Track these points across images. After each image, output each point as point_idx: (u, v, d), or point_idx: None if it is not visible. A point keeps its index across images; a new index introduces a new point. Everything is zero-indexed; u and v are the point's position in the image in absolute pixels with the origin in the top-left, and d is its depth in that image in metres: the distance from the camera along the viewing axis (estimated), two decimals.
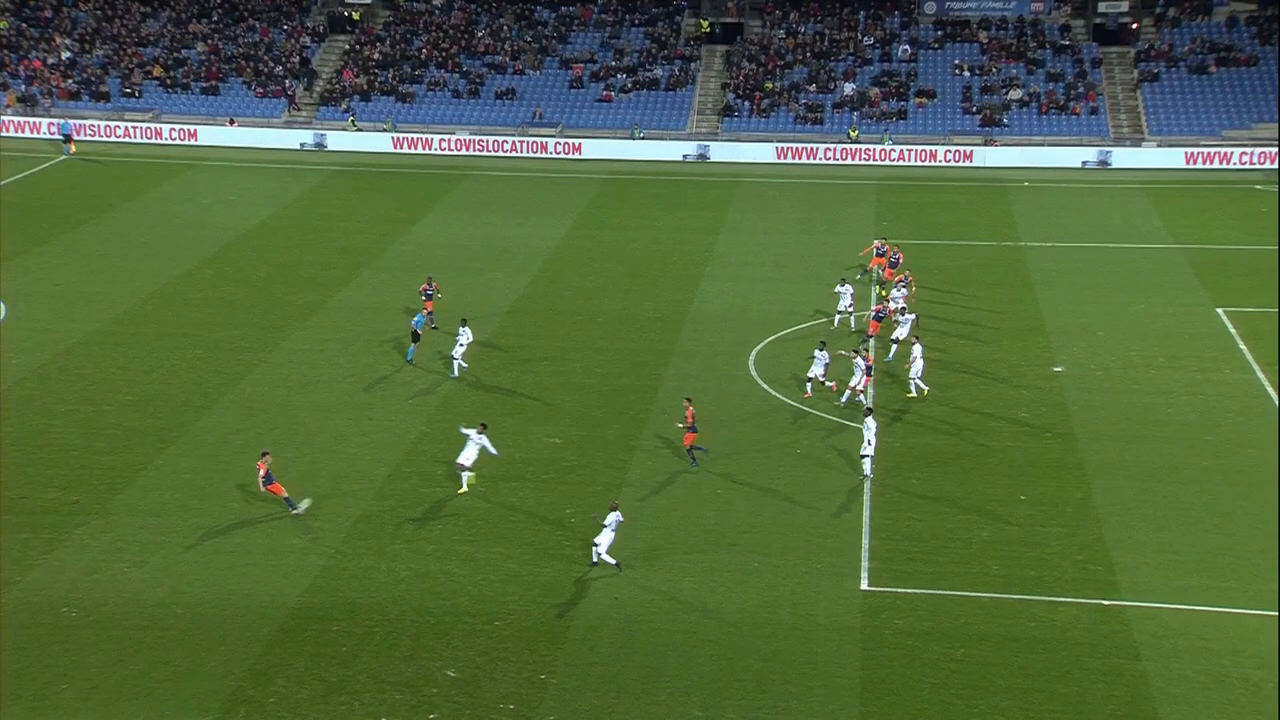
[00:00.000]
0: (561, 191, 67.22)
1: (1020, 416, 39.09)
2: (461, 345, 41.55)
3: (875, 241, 51.25)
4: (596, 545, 30.63)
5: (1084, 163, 70.31)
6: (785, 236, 58.43)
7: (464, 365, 41.97)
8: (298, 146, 73.54)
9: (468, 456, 33.66)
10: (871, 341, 43.07)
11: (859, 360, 38.79)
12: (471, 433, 33.93)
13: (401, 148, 74.71)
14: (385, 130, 76.36)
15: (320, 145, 73.92)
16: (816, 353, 39.42)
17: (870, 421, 35.15)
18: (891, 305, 44.72)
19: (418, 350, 42.47)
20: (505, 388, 41.09)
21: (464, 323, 42.60)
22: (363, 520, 33.04)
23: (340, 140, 74.78)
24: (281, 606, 29.36)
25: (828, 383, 39.41)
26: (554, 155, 74.06)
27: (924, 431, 37.92)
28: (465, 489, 34.02)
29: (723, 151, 73.19)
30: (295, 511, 32.76)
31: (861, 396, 38.86)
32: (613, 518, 30.70)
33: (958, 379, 41.55)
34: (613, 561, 30.61)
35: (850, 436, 37.32)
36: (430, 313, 44.76)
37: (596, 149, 74.07)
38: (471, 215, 61.82)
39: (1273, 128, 72.98)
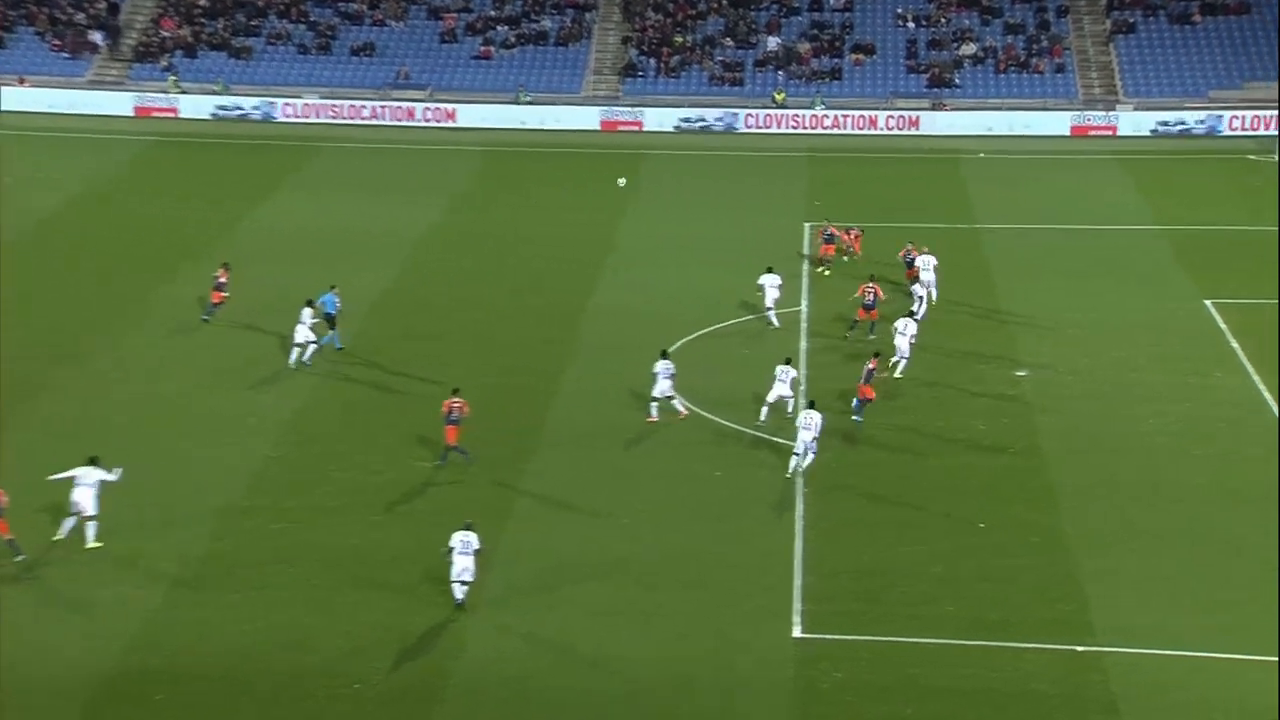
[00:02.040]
0: (432, 167, 66.96)
1: (978, 429, 39.70)
2: (304, 326, 42.28)
3: (830, 229, 52.33)
4: (456, 580, 30.62)
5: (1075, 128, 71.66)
6: (701, 219, 58.82)
7: (306, 362, 42.36)
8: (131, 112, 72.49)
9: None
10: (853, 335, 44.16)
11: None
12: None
13: (237, 114, 73.98)
14: (216, 93, 75.46)
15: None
16: (780, 370, 39.34)
17: (812, 416, 35.98)
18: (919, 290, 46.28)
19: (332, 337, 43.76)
20: (369, 402, 40.87)
21: (309, 303, 43.25)
22: (197, 563, 32.63)
23: (160, 104, 73.84)
24: (93, 672, 28.85)
25: (782, 407, 39.16)
26: (423, 123, 73.78)
27: (867, 448, 38.34)
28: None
29: (627, 117, 73.58)
30: (19, 558, 32.03)
31: (857, 419, 39.47)
32: (459, 538, 30.55)
33: (905, 386, 42.01)
34: (459, 597, 30.58)
35: (783, 456, 37.71)
36: (216, 304, 45.76)
37: (474, 116, 73.95)
38: (323, 196, 61.44)
39: (1269, 87, 75.08)
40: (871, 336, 44.53)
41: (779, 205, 60.32)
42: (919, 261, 48.44)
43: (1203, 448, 38.70)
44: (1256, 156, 68.83)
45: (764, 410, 39.24)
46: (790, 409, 39.21)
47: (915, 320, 43.95)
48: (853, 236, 52.69)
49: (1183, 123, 73.08)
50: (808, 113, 73.67)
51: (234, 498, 35.40)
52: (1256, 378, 42.74)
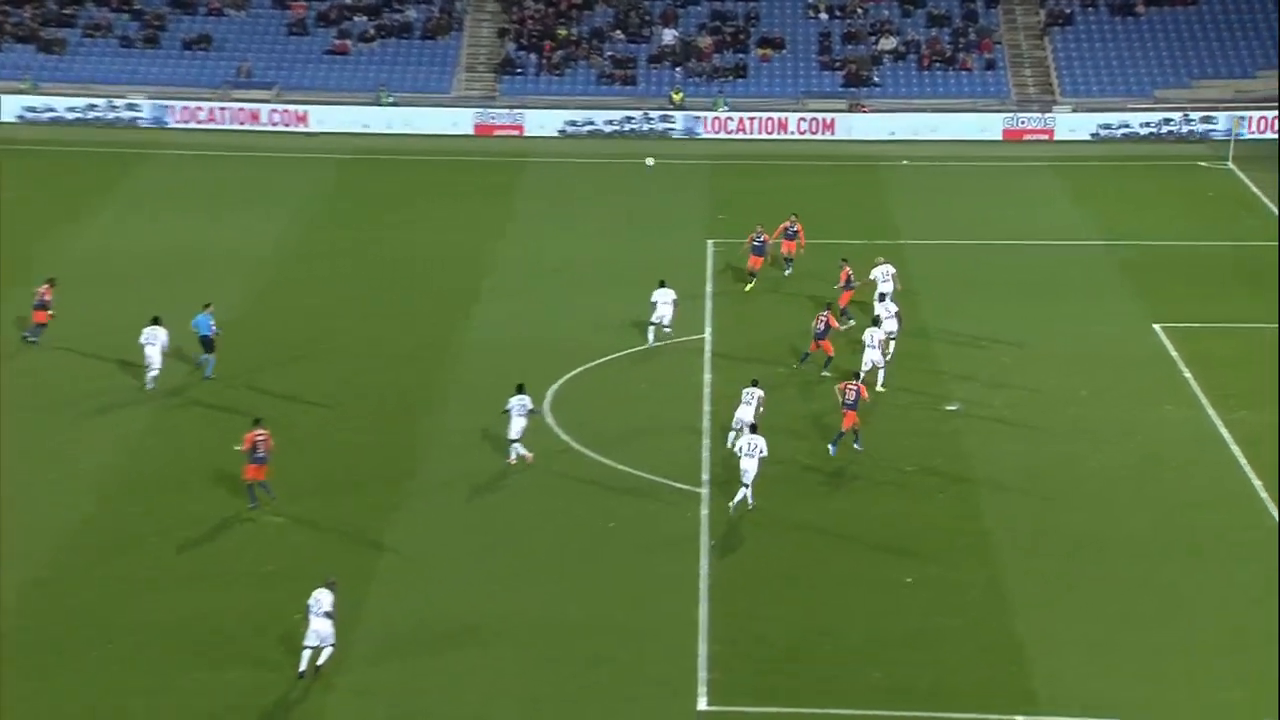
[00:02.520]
0: (281, 178, 66.56)
1: (905, 471, 40.08)
2: (155, 347, 43.09)
3: (763, 235, 53.06)
4: (305, 646, 30.40)
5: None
6: (590, 236, 59.09)
7: (149, 386, 42.98)
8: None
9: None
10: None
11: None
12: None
13: (48, 116, 72.95)
14: (23, 92, 74.32)
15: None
16: (746, 393, 40.01)
17: (756, 443, 36.92)
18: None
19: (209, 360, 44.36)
20: (209, 449, 40.46)
21: (156, 321, 43.72)
22: None
23: None
24: None
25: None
26: (269, 128, 73.34)
27: (780, 492, 38.54)
28: None
29: (505, 120, 73.70)
30: None
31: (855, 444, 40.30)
32: (313, 597, 30.43)
33: (825, 422, 42.35)
34: (303, 666, 30.48)
35: (683, 502, 37.81)
36: (40, 325, 46.01)
37: (329, 119, 73.67)
38: (153, 210, 60.85)
39: (1221, 85, 76.91)
40: (825, 374, 44.59)
41: (678, 220, 60.69)
42: (876, 274, 49.38)
43: (1152, 490, 39.37)
44: (1208, 164, 70.51)
45: (731, 436, 39.84)
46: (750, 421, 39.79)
47: (881, 327, 44.93)
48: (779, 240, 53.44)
49: (1126, 125, 74.60)
50: (709, 115, 74.28)
51: (43, 564, 34.79)
52: (1211, 411, 43.56)
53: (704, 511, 37.59)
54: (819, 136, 73.62)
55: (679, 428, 42.15)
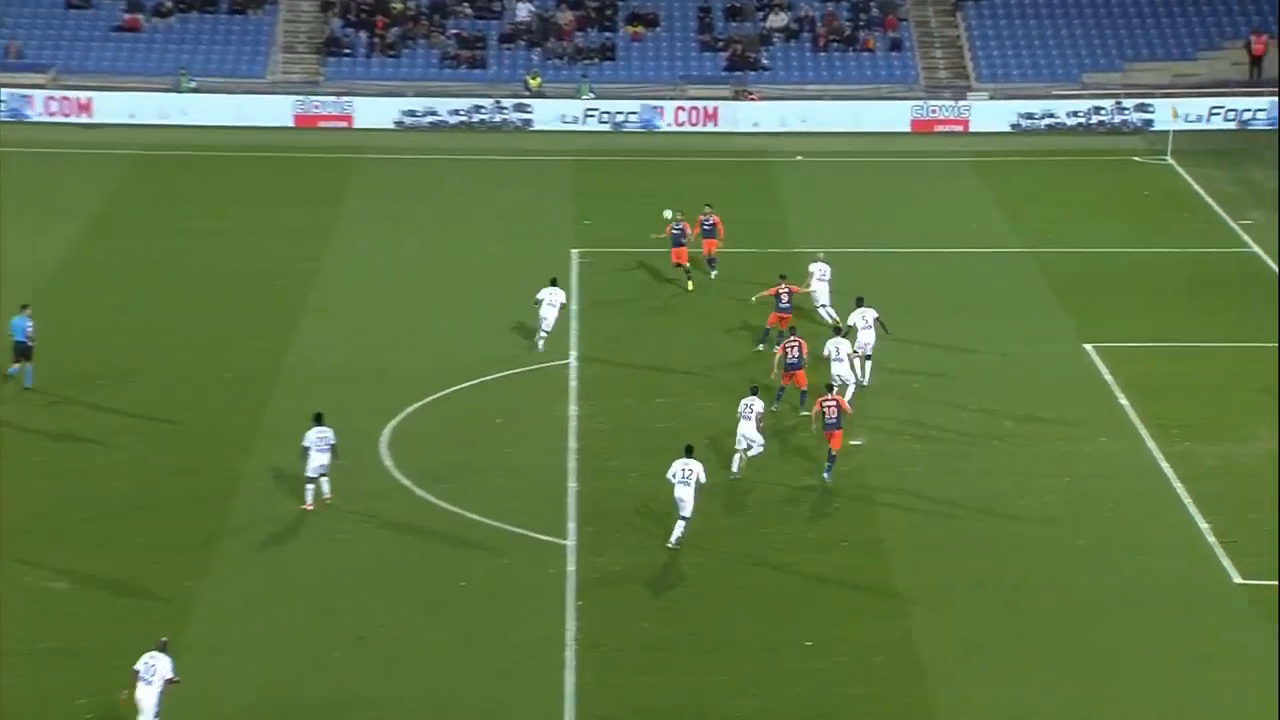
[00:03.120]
0: (61, 178, 65.74)
1: (803, 516, 40.43)
2: None
3: (682, 223, 54.03)
4: None
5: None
6: (433, 245, 59.12)
7: None
8: None
9: None
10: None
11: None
12: None
13: None
14: None
15: None
16: (745, 405, 40.80)
17: (692, 469, 37.72)
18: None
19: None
20: None
21: None
22: None
23: None
24: None
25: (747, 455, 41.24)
26: (45, 118, 72.47)
27: (658, 544, 38.66)
28: None
29: (331, 110, 73.42)
30: None
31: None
32: (153, 663, 30.01)
33: (702, 457, 42.68)
34: None
35: (545, 559, 37.92)
36: None
37: (118, 108, 73.01)
38: None
39: (1159, 68, 78.37)
40: (804, 413, 44.37)
41: (537, 227, 60.83)
42: (813, 269, 50.19)
43: (1085, 534, 39.86)
44: (1143, 159, 71.88)
45: (736, 459, 40.78)
46: (751, 450, 40.73)
47: (853, 338, 45.86)
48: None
49: (1051, 115, 75.78)
50: (573, 104, 74.52)
51: None
52: (1151, 444, 44.25)
53: (570, 567, 37.58)
54: (699, 128, 74.08)
55: (540, 469, 42.23)
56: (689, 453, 38.55)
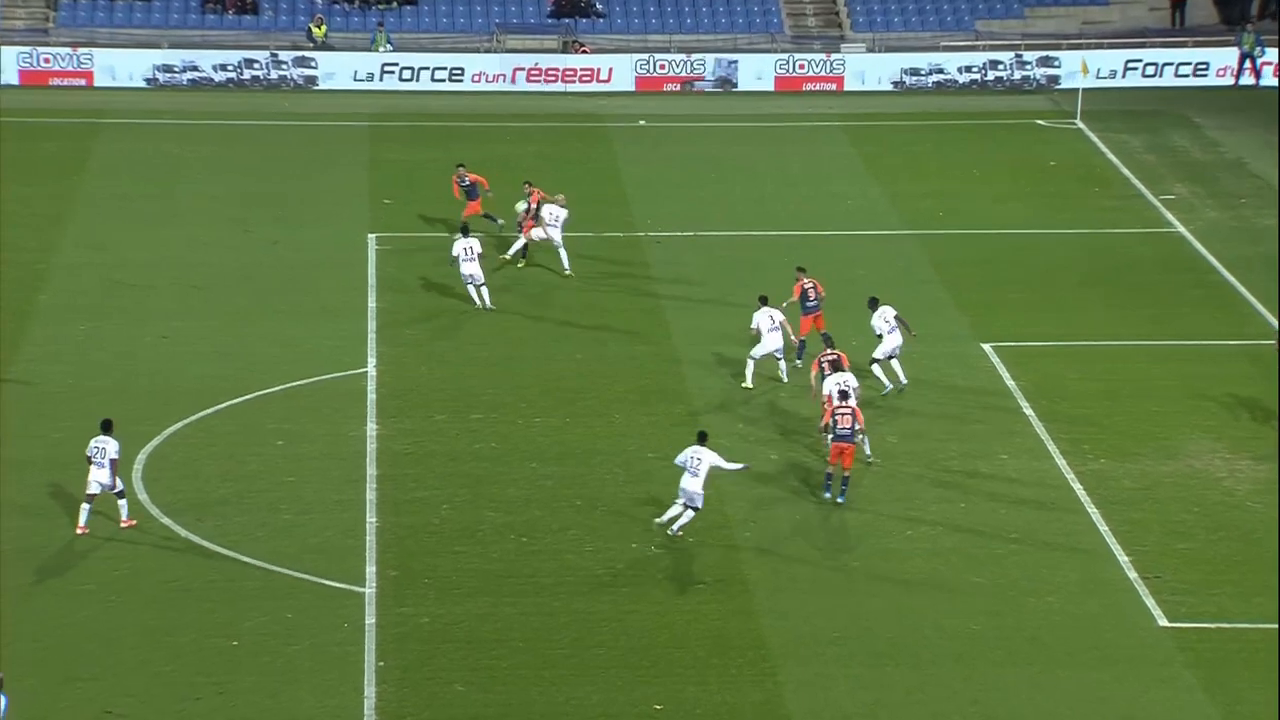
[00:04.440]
0: None
1: (650, 554, 40.25)
2: None
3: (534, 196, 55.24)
4: None
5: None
6: (198, 231, 58.48)
7: None
8: None
9: None
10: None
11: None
12: None
13: None
14: None
15: None
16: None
17: (698, 456, 39.31)
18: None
19: None
20: None
21: None
22: None
23: None
24: None
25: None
26: None
27: (490, 585, 38.52)
28: None
29: (65, 65, 72.23)
30: None
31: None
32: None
33: (528, 484, 42.64)
34: None
35: (338, 610, 37.42)
36: None
37: None
38: None
39: (1064, 15, 79.11)
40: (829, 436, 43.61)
41: (325, 206, 60.47)
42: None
43: (985, 572, 39.88)
44: (1050, 121, 72.45)
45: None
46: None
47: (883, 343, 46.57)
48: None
49: (940, 71, 76.33)
50: (368, 59, 73.88)
51: None
52: (1061, 461, 44.55)
53: (369, 620, 37.22)
54: (521, 87, 73.97)
55: (331, 502, 41.93)
56: (702, 439, 39.97)
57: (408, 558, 39.36)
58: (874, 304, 47.68)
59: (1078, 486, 43.39)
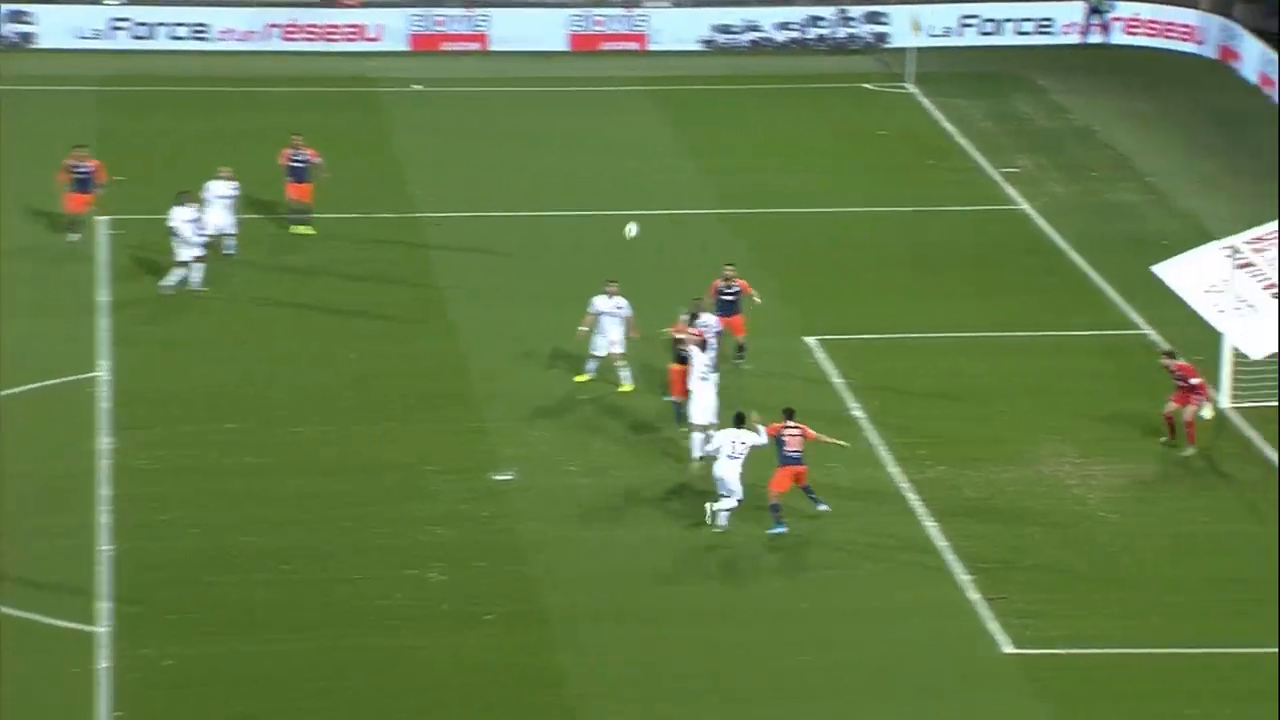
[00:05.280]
0: None
1: (427, 581, 39.94)
2: None
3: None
4: None
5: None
6: None
7: None
8: None
9: None
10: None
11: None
12: None
13: None
14: None
15: None
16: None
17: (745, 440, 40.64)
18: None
19: None
20: None
21: None
22: None
23: None
24: None
25: None
26: None
27: (223, 619, 38.01)
28: None
29: None
30: None
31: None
32: None
33: (291, 503, 42.34)
34: None
35: (64, 653, 36.64)
36: None
37: None
38: None
39: None
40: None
41: (41, 185, 58.89)
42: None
43: (809, 596, 39.78)
44: (878, 85, 72.82)
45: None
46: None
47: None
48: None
49: (756, 28, 76.48)
50: (92, 11, 72.89)
51: None
52: (895, 469, 44.59)
53: (102, 664, 36.55)
54: (277, 46, 73.62)
55: (57, 527, 41.34)
56: (739, 422, 40.93)
57: (149, 591, 38.79)
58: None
59: (913, 497, 43.47)
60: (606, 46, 75.23)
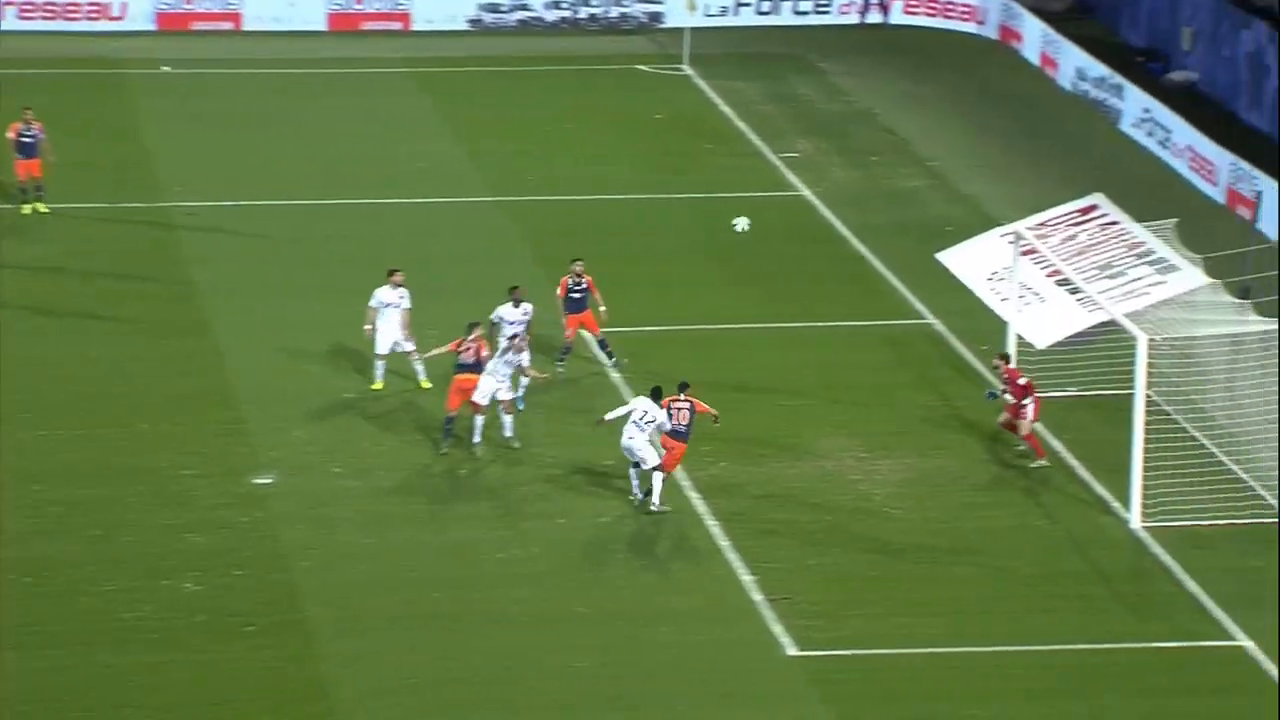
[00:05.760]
0: None
1: (184, 592, 39.47)
2: None
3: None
4: None
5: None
6: None
7: None
8: None
9: None
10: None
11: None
12: None
13: None
14: None
15: None
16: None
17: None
18: None
19: None
20: None
21: None
22: None
23: None
24: None
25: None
26: None
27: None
28: None
29: None
30: None
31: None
32: None
33: (31, 512, 41.76)
34: None
35: None
36: None
37: None
38: None
39: None
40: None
41: None
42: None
43: (587, 600, 39.71)
44: (653, 68, 72.83)
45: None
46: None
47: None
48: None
49: (525, 7, 76.50)
50: None
51: None
52: (677, 468, 44.24)
53: None
54: (12, 26, 72.82)
55: None
56: (656, 396, 42.24)
57: None
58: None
59: (694, 496, 43.47)
60: (368, 26, 74.83)
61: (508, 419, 44.52)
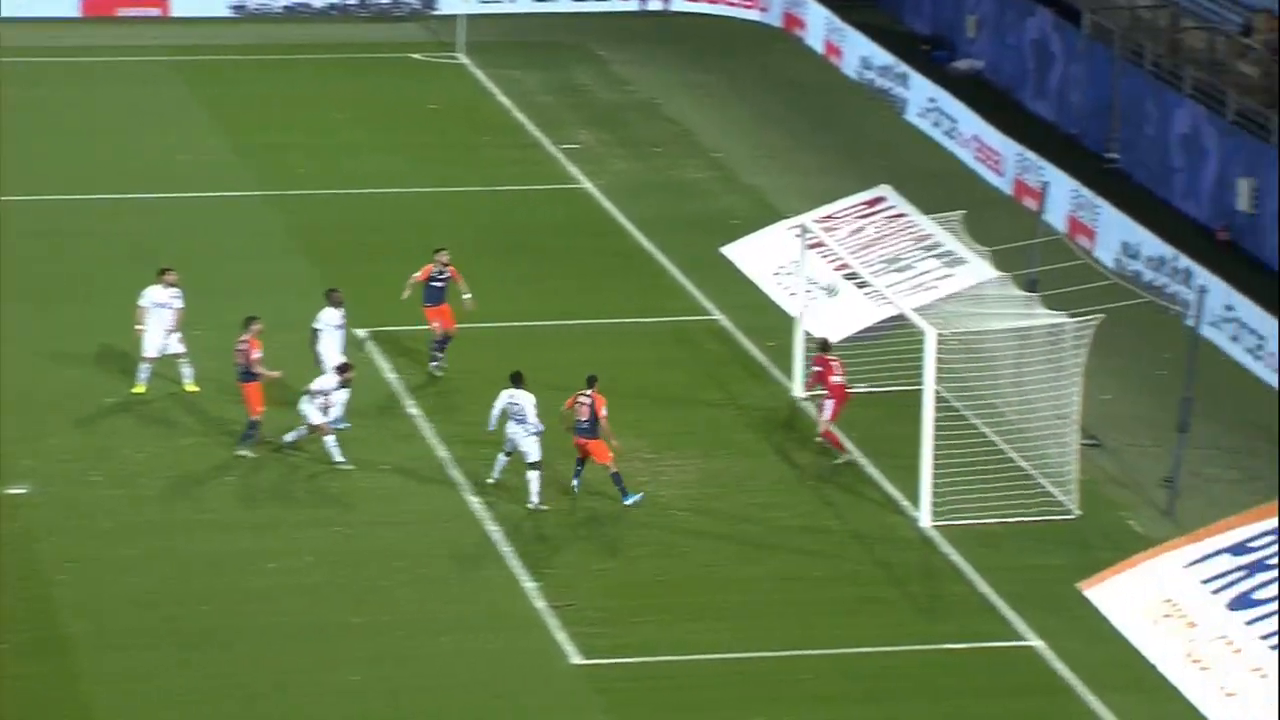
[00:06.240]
0: None
1: None
2: None
3: None
4: None
5: None
6: None
7: None
8: None
9: None
10: None
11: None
12: None
13: None
14: None
15: None
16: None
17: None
18: None
19: None
20: None
21: None
22: None
23: None
24: None
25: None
26: None
27: None
28: None
29: None
30: None
31: None
32: None
33: None
34: None
35: None
36: None
37: None
38: None
39: None
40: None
41: None
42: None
43: (367, 611, 39.65)
44: (427, 56, 72.74)
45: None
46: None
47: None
48: None
49: None
50: None
51: None
52: (456, 471, 44.56)
53: None
54: None
55: None
56: (516, 381, 42.84)
57: None
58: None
59: (473, 499, 43.50)
60: (123, 12, 74.12)
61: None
